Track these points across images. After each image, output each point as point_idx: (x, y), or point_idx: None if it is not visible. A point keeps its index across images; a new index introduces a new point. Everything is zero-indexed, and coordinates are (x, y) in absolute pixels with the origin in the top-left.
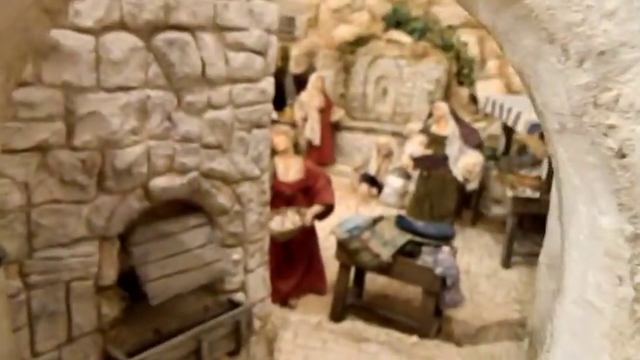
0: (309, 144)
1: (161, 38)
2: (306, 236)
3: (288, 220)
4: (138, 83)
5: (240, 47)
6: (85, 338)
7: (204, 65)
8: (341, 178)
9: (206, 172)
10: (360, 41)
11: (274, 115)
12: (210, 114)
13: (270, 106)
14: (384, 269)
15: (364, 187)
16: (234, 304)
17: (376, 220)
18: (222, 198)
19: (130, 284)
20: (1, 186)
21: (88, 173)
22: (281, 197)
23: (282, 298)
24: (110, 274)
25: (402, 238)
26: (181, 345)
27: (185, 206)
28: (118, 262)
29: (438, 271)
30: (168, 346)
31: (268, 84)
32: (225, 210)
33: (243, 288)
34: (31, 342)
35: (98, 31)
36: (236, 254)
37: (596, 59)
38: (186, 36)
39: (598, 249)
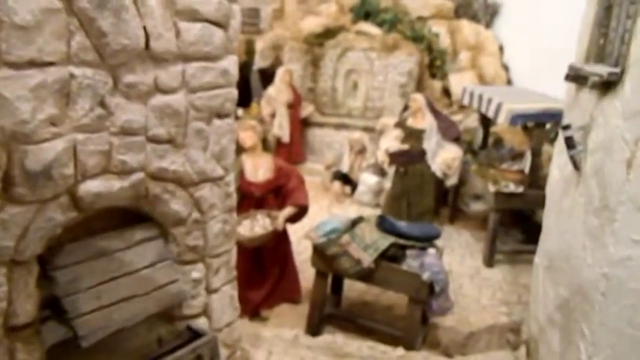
0: (278, 141)
1: None
2: (278, 241)
3: (257, 225)
4: (57, 57)
5: (194, 16)
6: None
7: (147, 37)
8: (312, 176)
9: (155, 173)
10: (328, 33)
11: (239, 112)
12: (158, 99)
13: (234, 91)
14: (365, 276)
15: (337, 185)
16: (195, 333)
17: (355, 222)
18: (177, 204)
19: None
20: None
21: None
22: (249, 199)
23: (253, 309)
24: (26, 310)
25: (385, 241)
26: None
27: (129, 216)
28: (37, 293)
29: (426, 276)
30: None
31: (231, 63)
32: (181, 219)
33: (205, 312)
34: None
35: None
36: (196, 272)
37: None
38: None
39: None
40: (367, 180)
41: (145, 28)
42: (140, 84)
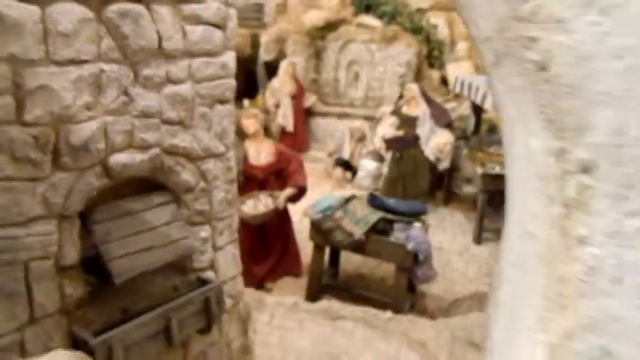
0: (283, 130)
1: (113, 9)
2: (280, 219)
3: (260, 204)
4: (90, 56)
5: (197, 20)
6: (48, 319)
7: (160, 38)
8: (316, 164)
9: (168, 149)
10: (330, 26)
11: (246, 103)
12: (170, 89)
13: (233, 81)
14: (357, 247)
15: (339, 171)
16: (204, 282)
17: (348, 200)
18: (187, 175)
19: (95, 268)
20: None
21: (41, 149)
22: (253, 181)
23: (258, 282)
24: (72, 254)
25: (374, 215)
26: (150, 323)
27: (148, 184)
28: (79, 242)
29: (410, 246)
30: (136, 324)
31: (229, 58)
32: (190, 187)
33: (212, 266)
34: None
35: (44, 0)
36: (204, 232)
37: None
38: (139, 7)
39: (532, 174)
40: (367, 166)
41: (157, 31)
42: (155, 76)
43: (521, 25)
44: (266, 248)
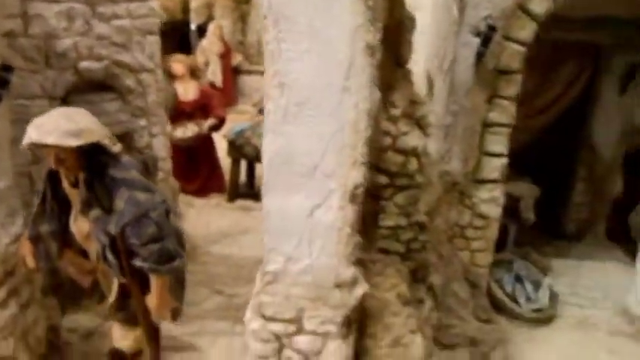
0: (212, 86)
1: None
2: (206, 145)
3: (188, 131)
4: None
5: None
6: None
7: None
8: (243, 115)
9: (116, 62)
10: None
11: None
12: (116, 22)
13: (157, 20)
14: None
15: (261, 117)
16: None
17: (256, 123)
18: (129, 81)
19: None
20: None
21: (39, 53)
22: (183, 114)
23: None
24: None
25: None
26: None
27: (103, 86)
28: None
29: None
30: None
31: (155, 4)
32: (132, 90)
33: (149, 147)
34: None
35: None
36: (142, 122)
37: None
38: None
39: None
40: None
41: None
42: (106, 13)
43: None
44: (195, 170)
